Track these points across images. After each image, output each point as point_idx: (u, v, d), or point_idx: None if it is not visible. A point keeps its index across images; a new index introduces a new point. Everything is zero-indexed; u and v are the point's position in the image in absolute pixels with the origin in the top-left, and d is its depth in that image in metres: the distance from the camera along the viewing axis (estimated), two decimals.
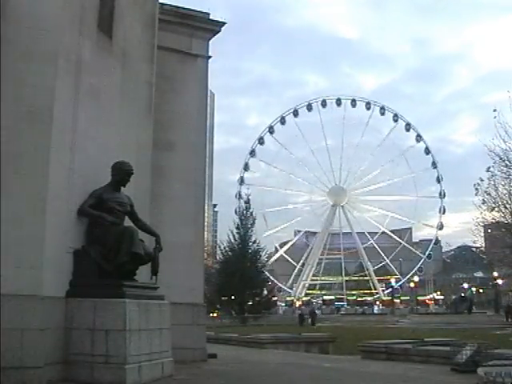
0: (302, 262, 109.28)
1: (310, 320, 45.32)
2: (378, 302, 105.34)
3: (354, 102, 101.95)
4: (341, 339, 23.54)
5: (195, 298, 13.04)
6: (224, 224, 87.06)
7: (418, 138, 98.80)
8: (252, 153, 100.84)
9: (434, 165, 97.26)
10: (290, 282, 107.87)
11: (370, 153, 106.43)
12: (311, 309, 58.06)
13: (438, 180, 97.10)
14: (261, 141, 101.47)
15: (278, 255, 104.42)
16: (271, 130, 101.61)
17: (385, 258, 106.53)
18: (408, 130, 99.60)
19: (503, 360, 11.23)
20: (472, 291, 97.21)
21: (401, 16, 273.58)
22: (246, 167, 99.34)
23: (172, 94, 13.22)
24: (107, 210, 9.09)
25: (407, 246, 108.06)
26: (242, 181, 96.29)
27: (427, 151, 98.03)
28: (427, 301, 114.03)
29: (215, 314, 57.98)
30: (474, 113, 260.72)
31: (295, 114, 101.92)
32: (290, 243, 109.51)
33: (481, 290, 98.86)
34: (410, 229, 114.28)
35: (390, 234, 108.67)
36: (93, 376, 8.05)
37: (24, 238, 7.92)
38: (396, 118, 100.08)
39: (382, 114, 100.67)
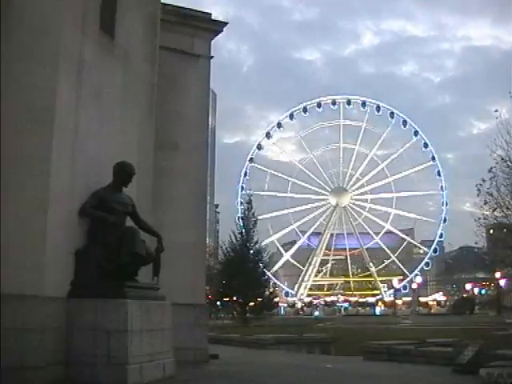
0: (307, 264, 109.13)
1: None
2: (380, 303, 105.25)
3: (348, 102, 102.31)
4: (342, 340, 23.51)
5: (197, 298, 13.04)
6: (226, 224, 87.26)
7: (416, 133, 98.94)
8: (251, 160, 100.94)
9: (434, 159, 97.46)
10: (297, 285, 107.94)
11: (368, 151, 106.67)
12: None
13: (439, 173, 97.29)
14: (259, 147, 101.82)
15: (284, 260, 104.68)
16: (268, 135, 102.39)
17: (391, 254, 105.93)
18: (405, 125, 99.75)
19: (505, 361, 11.21)
20: (479, 292, 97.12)
21: None
22: (246, 174, 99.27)
23: (174, 94, 13.21)
24: (109, 210, 9.08)
25: (413, 241, 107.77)
26: (242, 188, 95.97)
27: (426, 145, 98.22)
28: (429, 302, 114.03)
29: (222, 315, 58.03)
30: None
31: (291, 117, 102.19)
32: (295, 247, 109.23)
33: (483, 291, 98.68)
34: (413, 229, 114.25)
35: (394, 230, 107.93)
36: (94, 376, 8.04)
37: (25, 238, 7.94)
38: (392, 115, 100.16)
39: (378, 111, 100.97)
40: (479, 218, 28.04)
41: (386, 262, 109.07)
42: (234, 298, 50.32)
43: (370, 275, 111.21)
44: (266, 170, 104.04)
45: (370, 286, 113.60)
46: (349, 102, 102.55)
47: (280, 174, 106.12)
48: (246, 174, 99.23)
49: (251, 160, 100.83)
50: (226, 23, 14.46)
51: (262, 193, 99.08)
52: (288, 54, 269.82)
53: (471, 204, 28.11)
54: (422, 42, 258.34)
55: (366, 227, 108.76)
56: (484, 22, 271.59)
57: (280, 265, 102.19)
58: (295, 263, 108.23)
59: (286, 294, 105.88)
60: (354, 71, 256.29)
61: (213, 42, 14.52)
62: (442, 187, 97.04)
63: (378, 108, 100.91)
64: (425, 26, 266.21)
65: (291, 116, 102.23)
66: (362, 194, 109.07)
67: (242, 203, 79.96)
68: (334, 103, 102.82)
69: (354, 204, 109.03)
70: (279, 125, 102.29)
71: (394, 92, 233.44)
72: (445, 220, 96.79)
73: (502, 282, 65.48)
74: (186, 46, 13.76)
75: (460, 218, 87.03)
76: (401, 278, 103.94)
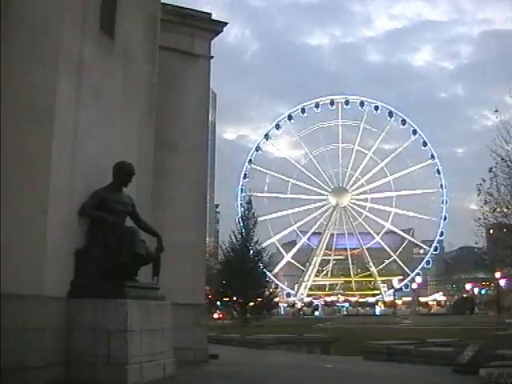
0: (307, 264, 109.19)
1: None
2: (380, 303, 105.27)
3: (347, 102, 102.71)
4: (343, 340, 23.51)
5: (197, 298, 13.03)
6: (226, 224, 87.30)
7: (414, 131, 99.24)
8: (250, 161, 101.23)
9: (433, 157, 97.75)
10: (298, 285, 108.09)
11: (367, 151, 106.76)
12: None
13: (438, 172, 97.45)
14: (257, 149, 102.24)
15: (284, 261, 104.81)
16: (267, 136, 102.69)
17: (392, 253, 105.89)
18: (404, 124, 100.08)
19: (505, 361, 11.21)
20: (479, 292, 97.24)
21: None
22: (245, 176, 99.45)
23: (174, 94, 13.21)
24: (109, 210, 9.08)
25: (413, 239, 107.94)
26: (241, 190, 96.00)
27: (425, 144, 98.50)
28: (429, 302, 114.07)
29: (220, 315, 58.01)
30: None
31: (289, 118, 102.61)
32: (296, 248, 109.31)
33: (483, 291, 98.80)
34: (412, 229, 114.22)
35: (395, 229, 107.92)
36: (94, 376, 8.04)
37: (25, 238, 7.94)
38: (391, 114, 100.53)
39: (376, 110, 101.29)
40: (479, 218, 28.12)
41: (387, 261, 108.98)
42: (234, 298, 50.34)
43: (370, 275, 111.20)
44: (265, 171, 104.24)
45: (370, 285, 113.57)
46: (347, 102, 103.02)
47: (279, 175, 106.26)
48: (245, 176, 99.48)
49: (250, 162, 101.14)
50: (226, 23, 14.46)
51: (261, 194, 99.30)
52: (293, 40, 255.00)
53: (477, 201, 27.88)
54: (438, 26, 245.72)
55: (367, 226, 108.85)
56: (506, 5, 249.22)
57: (281, 266, 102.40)
58: (296, 263, 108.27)
59: (288, 295, 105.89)
60: (363, 58, 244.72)
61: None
62: (441, 185, 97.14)
63: (377, 107, 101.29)
64: (443, 9, 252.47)
65: (290, 117, 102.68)
66: (361, 193, 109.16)
67: (241, 205, 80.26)
68: (332, 103, 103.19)
69: (353, 204, 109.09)
70: (278, 126, 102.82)
71: (405, 81, 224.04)
72: (445, 218, 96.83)
73: (502, 282, 65.58)
74: (186, 46, 13.76)
75: (464, 216, 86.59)
76: (401, 277, 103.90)
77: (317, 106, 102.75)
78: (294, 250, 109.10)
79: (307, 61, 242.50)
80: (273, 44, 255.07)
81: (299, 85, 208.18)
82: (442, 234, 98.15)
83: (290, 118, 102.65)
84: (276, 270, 66.23)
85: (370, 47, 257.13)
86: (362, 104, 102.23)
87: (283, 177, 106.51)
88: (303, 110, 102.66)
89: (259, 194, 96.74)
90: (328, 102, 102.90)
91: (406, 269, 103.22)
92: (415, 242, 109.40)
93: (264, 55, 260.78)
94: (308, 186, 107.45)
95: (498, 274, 56.68)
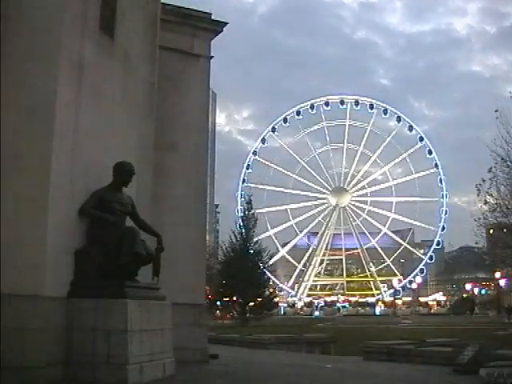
0: (303, 262, 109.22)
1: None
2: (379, 303, 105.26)
3: (357, 103, 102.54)
4: (342, 340, 23.53)
5: (196, 298, 13.02)
6: (226, 224, 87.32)
7: (421, 139, 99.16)
8: (255, 153, 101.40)
9: (437, 166, 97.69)
10: (291, 282, 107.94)
11: (372, 154, 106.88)
12: None
13: (441, 181, 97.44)
14: (263, 141, 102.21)
15: (279, 255, 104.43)
16: (273, 129, 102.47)
17: (386, 259, 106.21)
18: (411, 130, 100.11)
19: (505, 361, 11.21)
20: (479, 292, 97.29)
21: None
22: (248, 167, 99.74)
23: (174, 94, 13.21)
24: (109, 210, 9.08)
25: (408, 247, 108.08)
26: (243, 180, 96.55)
27: (430, 152, 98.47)
28: (429, 302, 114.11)
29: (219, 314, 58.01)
30: None
31: (298, 113, 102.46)
32: (292, 243, 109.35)
33: (483, 291, 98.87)
34: (412, 229, 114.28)
35: (391, 235, 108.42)
36: (94, 376, 8.04)
37: (25, 238, 7.93)
38: (399, 119, 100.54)
39: (385, 114, 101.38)
40: (479, 218, 28.11)
41: (385, 263, 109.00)
42: (234, 298, 50.38)
43: (370, 275, 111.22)
44: (268, 164, 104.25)
45: (370, 286, 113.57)
46: (357, 103, 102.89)
47: (282, 169, 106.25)
48: (248, 167, 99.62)
49: (255, 153, 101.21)
50: (226, 23, 14.45)
51: (262, 186, 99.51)
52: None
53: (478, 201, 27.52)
54: None
55: (364, 229, 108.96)
56: None
57: (276, 259, 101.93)
58: (291, 260, 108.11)
59: (280, 290, 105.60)
60: (391, 23, 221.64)
61: None
62: (443, 195, 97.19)
63: (386, 111, 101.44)
64: None
65: (298, 112, 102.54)
66: (362, 195, 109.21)
67: (242, 196, 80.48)
68: (342, 103, 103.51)
69: (353, 205, 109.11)
70: (285, 120, 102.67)
71: (438, 49, 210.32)
72: (443, 228, 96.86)
73: (502, 282, 65.56)
74: (186, 46, 13.76)
75: (466, 215, 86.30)
76: (401, 278, 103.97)
77: (326, 104, 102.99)
78: (291, 244, 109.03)
79: (325, 23, 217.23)
80: (285, 4, 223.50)
81: (314, 58, 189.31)
82: (438, 244, 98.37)
83: (298, 113, 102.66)
84: (271, 261, 66.30)
85: (400, 7, 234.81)
86: (371, 106, 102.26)
87: (285, 171, 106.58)
88: (312, 107, 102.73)
89: (260, 186, 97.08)
90: (338, 100, 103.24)
91: (399, 275, 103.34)
92: (410, 248, 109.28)
93: (272, 20, 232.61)
94: (309, 184, 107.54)
95: (498, 274, 56.68)
